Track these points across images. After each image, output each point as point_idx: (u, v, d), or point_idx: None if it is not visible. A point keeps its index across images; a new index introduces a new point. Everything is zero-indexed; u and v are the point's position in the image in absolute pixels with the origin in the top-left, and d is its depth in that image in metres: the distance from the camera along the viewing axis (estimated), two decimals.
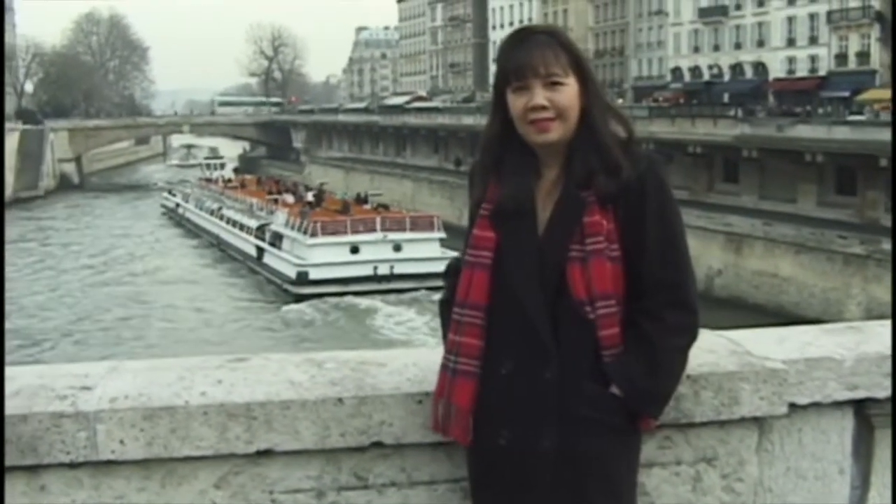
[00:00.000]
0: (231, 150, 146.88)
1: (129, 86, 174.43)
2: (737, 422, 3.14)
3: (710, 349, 3.20)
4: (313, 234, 49.91)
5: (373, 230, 50.45)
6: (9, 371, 3.15)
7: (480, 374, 2.80)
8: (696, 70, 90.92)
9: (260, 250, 55.04)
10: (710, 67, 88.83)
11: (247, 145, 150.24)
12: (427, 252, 48.66)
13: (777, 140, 50.73)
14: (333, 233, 50.11)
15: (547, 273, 2.72)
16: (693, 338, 2.81)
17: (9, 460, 2.87)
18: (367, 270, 48.89)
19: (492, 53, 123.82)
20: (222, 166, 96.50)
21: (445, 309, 2.98)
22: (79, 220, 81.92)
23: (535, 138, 2.77)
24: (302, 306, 46.15)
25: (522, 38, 2.80)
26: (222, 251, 62.19)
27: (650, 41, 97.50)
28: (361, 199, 60.92)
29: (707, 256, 43.31)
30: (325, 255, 48.89)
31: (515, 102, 2.77)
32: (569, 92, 2.75)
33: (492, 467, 2.80)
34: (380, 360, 3.24)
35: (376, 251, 49.41)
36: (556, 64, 2.73)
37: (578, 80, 2.77)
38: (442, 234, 50.87)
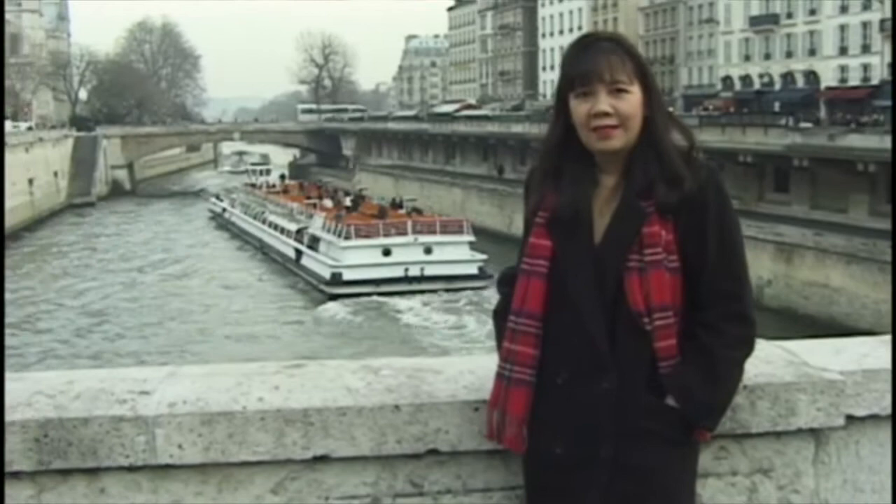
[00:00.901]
0: (282, 157, 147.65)
1: (180, 93, 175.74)
2: (793, 433, 3.12)
3: (767, 359, 3.18)
4: (347, 237, 51.72)
5: (404, 233, 52.12)
6: (69, 375, 3.19)
7: (535, 383, 2.79)
8: (746, 79, 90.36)
9: (298, 252, 56.81)
10: (761, 76, 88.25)
11: (297, 153, 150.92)
12: (456, 255, 51.45)
13: (828, 149, 50.25)
14: (366, 236, 51.88)
15: (604, 283, 2.71)
16: (750, 350, 2.80)
17: (70, 463, 2.90)
18: (398, 272, 50.56)
19: (541, 62, 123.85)
20: (268, 172, 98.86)
21: (499, 318, 2.97)
22: (129, 225, 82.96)
23: (597, 145, 2.76)
24: (335, 305, 47.74)
25: (588, 44, 2.80)
26: (264, 254, 64.13)
27: (700, 49, 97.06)
28: (396, 204, 62.49)
29: (757, 266, 42.94)
30: (358, 257, 50.68)
31: (578, 108, 2.76)
32: (633, 100, 2.74)
33: (547, 477, 2.79)
34: (436, 367, 3.24)
35: (407, 253, 51.10)
36: (621, 71, 2.73)
37: (642, 88, 2.76)
38: (471, 238, 52.89)
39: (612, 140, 2.74)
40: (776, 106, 76.56)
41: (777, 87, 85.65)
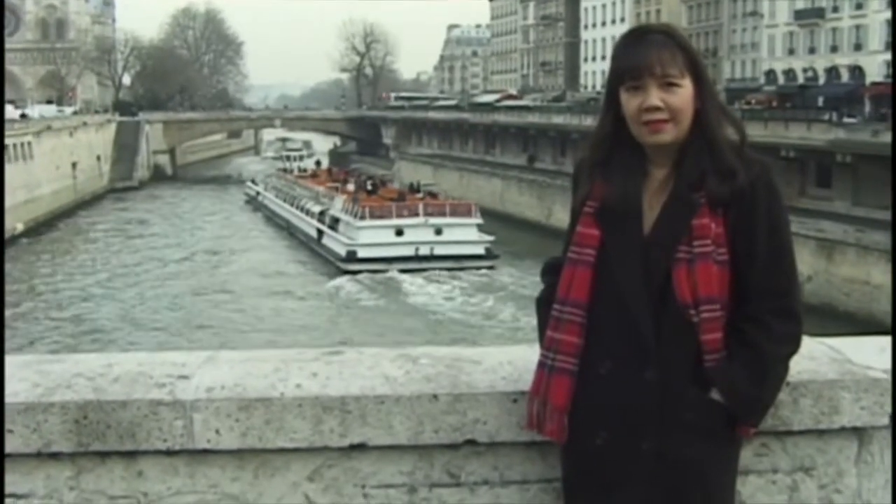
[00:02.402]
0: (323, 144, 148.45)
1: (222, 80, 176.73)
2: (836, 431, 3.08)
3: (811, 356, 3.15)
4: (362, 218, 55.70)
5: (416, 215, 56.05)
6: (109, 358, 3.21)
7: (578, 372, 2.78)
8: (790, 73, 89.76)
9: (320, 232, 61.14)
10: (805, 70, 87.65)
11: (338, 140, 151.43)
12: (465, 236, 55.32)
13: (872, 145, 49.85)
14: (381, 217, 55.79)
15: (652, 273, 2.70)
16: (797, 347, 2.79)
17: (108, 445, 2.92)
18: (409, 251, 54.24)
19: (583, 53, 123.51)
20: (300, 158, 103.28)
21: (542, 307, 2.96)
22: (172, 208, 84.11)
23: (648, 139, 2.75)
24: (346, 279, 51.89)
25: (639, 36, 2.77)
26: (291, 234, 68.39)
27: (744, 43, 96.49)
28: (414, 189, 65.84)
29: (797, 262, 42.24)
30: (372, 237, 54.52)
31: (629, 102, 2.74)
32: (684, 94, 2.72)
33: (587, 467, 2.78)
34: (475, 357, 3.23)
35: (418, 234, 54.88)
36: (672, 65, 2.70)
37: (693, 81, 2.74)
38: (479, 220, 56.54)
39: (662, 134, 2.72)
40: (820, 101, 75.97)
41: (821, 81, 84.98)
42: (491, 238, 55.84)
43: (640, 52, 2.72)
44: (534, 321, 3.03)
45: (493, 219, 70.95)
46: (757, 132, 55.57)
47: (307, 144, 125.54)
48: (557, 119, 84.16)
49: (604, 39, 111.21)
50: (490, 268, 53.50)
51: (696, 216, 2.70)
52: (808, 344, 3.19)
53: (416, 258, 53.73)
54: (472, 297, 47.56)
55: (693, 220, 2.69)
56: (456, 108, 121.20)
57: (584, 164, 2.90)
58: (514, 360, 3.17)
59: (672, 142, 2.74)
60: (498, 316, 42.93)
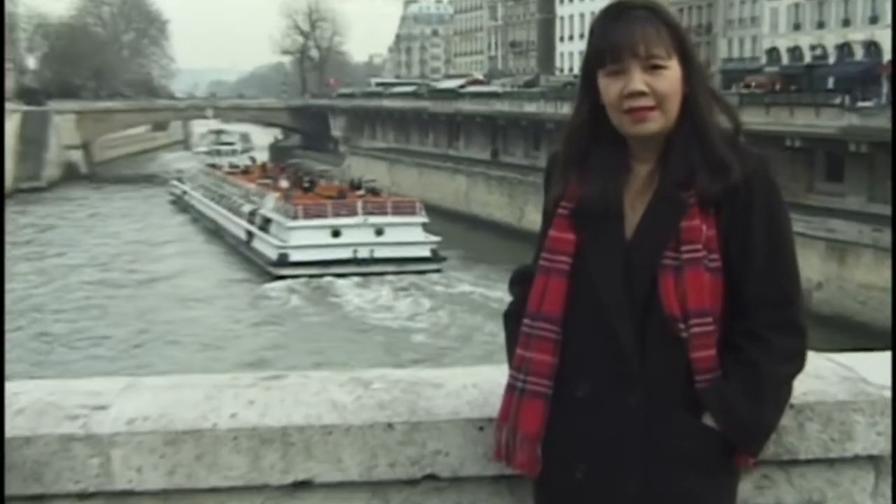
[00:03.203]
0: (264, 137, 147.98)
1: (145, 64, 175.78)
2: (849, 460, 3.10)
3: (818, 374, 3.17)
4: (295, 217, 56.53)
5: (354, 214, 56.92)
6: (12, 386, 3.17)
7: (552, 395, 2.79)
8: (795, 51, 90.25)
9: (250, 234, 61.88)
10: (813, 48, 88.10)
11: (279, 133, 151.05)
12: (409, 236, 56.36)
13: (890, 133, 50.18)
14: (315, 216, 56.67)
15: (635, 283, 2.71)
16: (801, 364, 2.79)
17: (10, 489, 2.88)
18: (347, 253, 55.04)
19: (559, 31, 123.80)
20: (233, 153, 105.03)
21: (511, 322, 2.96)
22: (86, 212, 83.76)
23: (631, 129, 2.75)
24: (276, 286, 52.47)
25: (619, 12, 2.77)
26: (219, 237, 69.29)
27: (742, 17, 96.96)
28: (355, 185, 66.79)
29: (805, 267, 42.48)
30: (305, 238, 55.27)
31: (609, 87, 2.74)
32: (671, 77, 2.73)
33: None
34: (435, 379, 3.23)
35: (357, 234, 55.77)
36: (657, 44, 2.71)
37: (682, 63, 2.75)
38: (424, 219, 57.74)
39: (647, 123, 2.73)
40: (830, 82, 76.40)
41: (831, 60, 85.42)
42: (437, 239, 57.07)
43: (620, 29, 2.73)
44: (503, 337, 3.03)
45: (458, 221, 71.11)
46: (758, 119, 55.78)
47: (245, 138, 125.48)
48: (530, 107, 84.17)
49: (582, 15, 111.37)
50: (437, 271, 54.75)
51: (684, 217, 2.70)
52: (815, 361, 3.21)
53: (355, 261, 54.89)
54: (427, 307, 47.76)
55: (681, 222, 2.70)
56: (414, 95, 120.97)
57: (558, 160, 2.91)
58: (480, 382, 3.17)
59: (658, 132, 2.75)
60: (458, 329, 42.95)
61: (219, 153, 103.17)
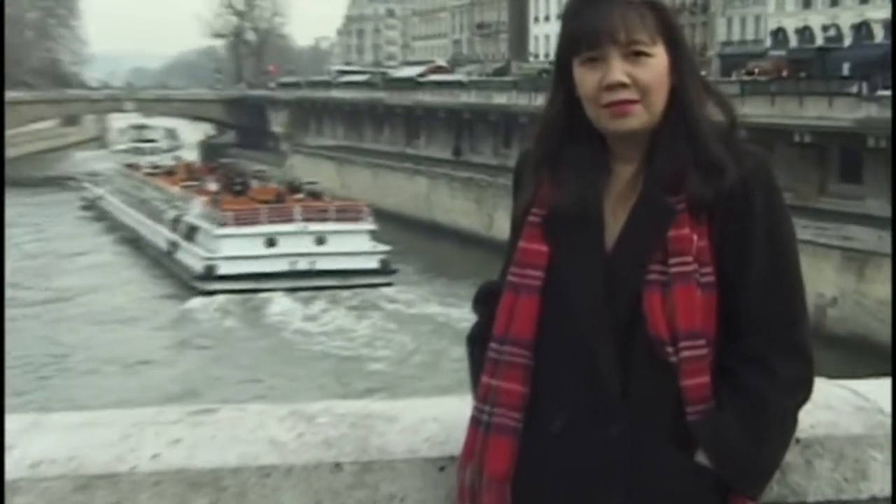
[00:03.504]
0: (194, 134, 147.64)
1: (52, 48, 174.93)
2: (865, 503, 3.10)
3: (828, 404, 3.17)
4: (223, 224, 57.38)
5: (292, 220, 57.78)
6: None
7: (523, 430, 2.79)
8: (805, 32, 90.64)
9: (173, 244, 62.28)
10: (825, 28, 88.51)
11: (211, 129, 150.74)
12: (354, 245, 57.09)
13: None
14: (247, 223, 57.34)
15: (616, 301, 2.71)
16: (808, 393, 2.79)
17: None
18: (283, 265, 55.98)
19: (533, 11, 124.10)
20: (155, 151, 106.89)
21: (475, 346, 2.97)
22: None
23: (611, 125, 2.75)
24: (202, 303, 53.02)
25: None
26: (139, 248, 69.77)
27: None
28: (294, 188, 67.46)
29: (817, 280, 43.06)
30: (236, 248, 55.90)
31: (586, 78, 2.75)
32: (656, 66, 2.74)
33: None
34: (389, 413, 3.23)
35: (296, 244, 56.63)
36: (640, 28, 2.72)
37: (668, 50, 2.77)
38: (372, 226, 58.94)
39: (629, 118, 2.73)
40: (845, 68, 76.39)
41: (847, 42, 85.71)
42: (387, 248, 57.60)
43: (598, 12, 2.73)
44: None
45: (418, 229, 71.14)
46: (761, 111, 55.99)
47: (171, 134, 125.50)
48: (500, 98, 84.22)
49: None
50: (387, 285, 55.45)
51: (672, 225, 2.70)
52: (825, 388, 3.22)
53: (293, 274, 55.38)
54: (381, 327, 47.94)
55: (669, 231, 2.70)
56: (367, 85, 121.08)
57: (528, 160, 2.92)
58: (441, 415, 3.18)
59: (642, 129, 2.75)
60: (421, 355, 43.02)
61: (139, 151, 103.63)
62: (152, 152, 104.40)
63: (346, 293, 53.64)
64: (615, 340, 2.69)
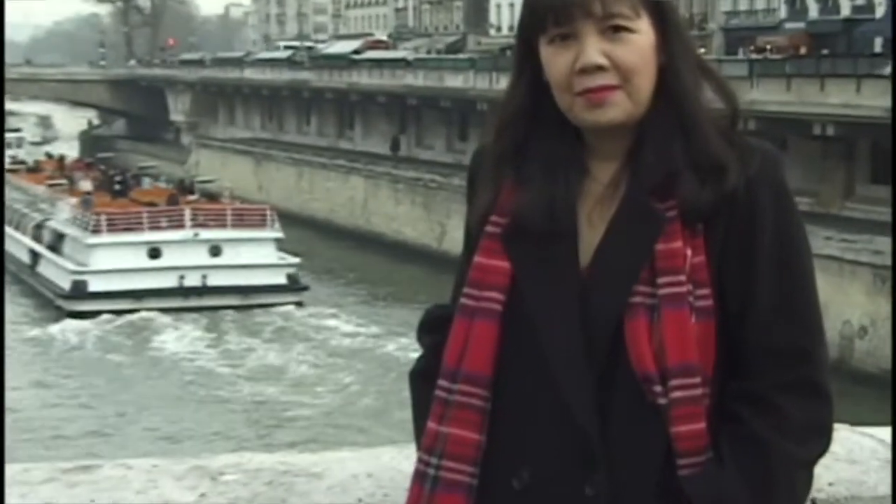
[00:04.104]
0: (74, 123, 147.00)
1: None
2: None
3: (850, 457, 3.19)
4: (96, 231, 57.82)
5: (181, 226, 58.51)
6: None
7: (479, 487, 2.79)
8: (827, 2, 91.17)
9: (35, 255, 63.11)
10: None
11: (95, 117, 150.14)
12: (256, 257, 57.89)
13: None
14: (125, 229, 58.03)
15: (593, 329, 2.70)
16: (827, 442, 2.77)
17: None
18: (170, 281, 56.58)
19: None
20: (20, 143, 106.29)
21: (420, 384, 2.97)
22: None
23: (587, 116, 2.73)
24: (69, 326, 53.17)
25: None
26: None
27: None
28: (185, 188, 68.15)
29: (843, 305, 43.23)
30: (111, 260, 56.75)
31: (555, 60, 2.73)
32: (640, 43, 2.72)
33: None
34: (313, 467, 3.23)
35: (185, 255, 57.45)
36: None
37: (655, 24, 2.75)
38: (278, 234, 59.90)
39: (608, 108, 2.71)
40: (877, 44, 76.91)
41: (878, 13, 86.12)
42: (296, 260, 58.29)
43: None
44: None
45: (354, 240, 71.11)
46: (774, 97, 56.24)
47: (45, 122, 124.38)
48: (453, 80, 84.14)
49: None
50: (297, 304, 55.75)
51: (662, 237, 2.69)
52: (848, 437, 3.24)
53: (181, 292, 56.09)
54: (305, 360, 47.82)
55: (658, 244, 2.69)
56: (290, 63, 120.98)
57: (486, 158, 2.91)
58: (377, 470, 3.18)
59: (624, 120, 2.74)
60: (360, 398, 42.93)
61: None
62: (17, 145, 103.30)
63: (260, 316, 53.75)
64: (591, 378, 2.68)
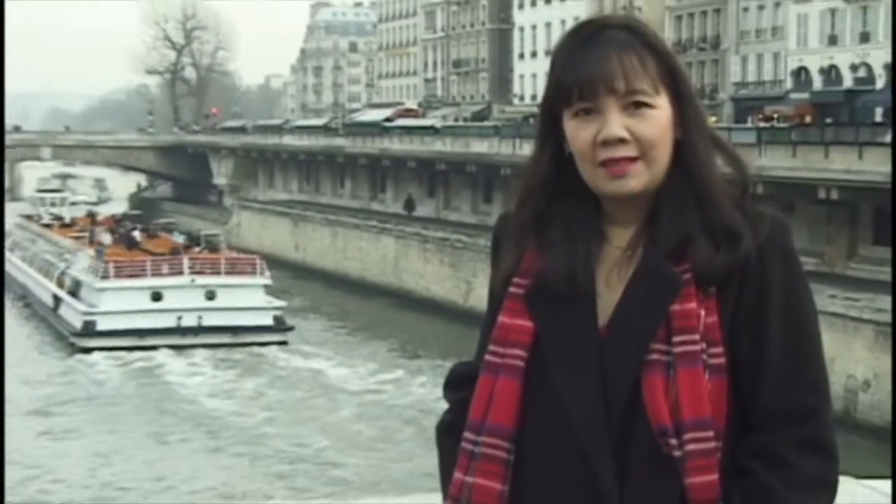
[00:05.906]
0: (126, 185, 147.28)
1: None
2: None
3: None
4: (105, 277, 61.46)
5: (179, 273, 62.09)
6: None
7: None
8: (831, 72, 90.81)
9: (57, 299, 66.41)
10: (854, 68, 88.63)
11: (143, 180, 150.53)
12: (246, 300, 61.43)
13: None
14: (131, 275, 61.77)
15: (612, 386, 2.70)
16: (832, 496, 2.76)
17: None
18: (170, 321, 60.16)
19: (517, 46, 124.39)
20: (62, 202, 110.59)
21: (446, 437, 2.97)
22: None
23: (608, 186, 2.74)
24: (77, 361, 56.73)
25: (590, 34, 2.77)
26: (27, 305, 74.07)
27: (761, 28, 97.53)
28: (193, 240, 72.46)
29: (847, 360, 43.04)
30: (118, 302, 60.14)
31: (579, 133, 2.74)
32: (659, 118, 2.73)
33: None
34: None
35: (183, 298, 60.95)
36: (642, 75, 2.71)
37: (672, 99, 2.76)
38: (266, 280, 63.60)
39: (628, 179, 2.72)
40: (878, 114, 76.79)
41: (879, 84, 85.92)
42: (282, 304, 61.98)
43: (593, 57, 2.72)
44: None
45: (385, 296, 71.17)
46: (781, 163, 56.12)
47: (100, 184, 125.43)
48: (479, 146, 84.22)
49: (548, 25, 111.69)
50: (282, 343, 59.55)
51: (677, 299, 2.69)
52: (852, 489, 3.22)
53: (179, 330, 59.67)
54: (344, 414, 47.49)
55: (674, 306, 2.69)
56: (326, 130, 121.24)
57: (510, 224, 2.91)
58: None
59: (642, 190, 2.75)
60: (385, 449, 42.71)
61: (42, 202, 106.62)
62: (61, 203, 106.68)
63: (281, 363, 56.05)
64: (610, 432, 2.68)
